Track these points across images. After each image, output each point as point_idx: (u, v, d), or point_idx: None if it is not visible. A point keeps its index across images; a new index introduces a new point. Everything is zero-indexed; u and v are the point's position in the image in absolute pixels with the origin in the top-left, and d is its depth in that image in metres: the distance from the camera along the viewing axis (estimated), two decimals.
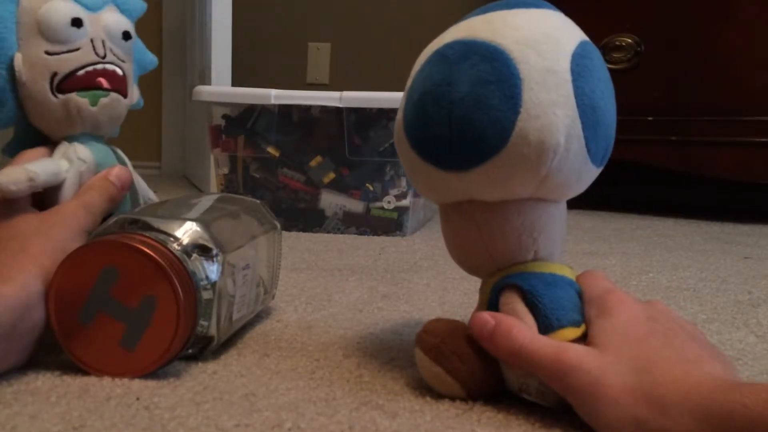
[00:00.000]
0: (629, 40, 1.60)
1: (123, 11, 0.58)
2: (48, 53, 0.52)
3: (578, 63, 0.41)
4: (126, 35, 0.56)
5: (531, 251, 0.44)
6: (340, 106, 1.13)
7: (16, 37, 0.52)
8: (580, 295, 0.44)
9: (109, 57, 0.55)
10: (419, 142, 0.44)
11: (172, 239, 0.45)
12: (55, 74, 0.52)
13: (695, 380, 0.35)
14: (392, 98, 1.11)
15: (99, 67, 0.54)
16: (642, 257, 1.03)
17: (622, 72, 1.60)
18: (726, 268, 0.96)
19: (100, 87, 0.54)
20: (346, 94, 1.13)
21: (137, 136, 2.65)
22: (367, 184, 1.15)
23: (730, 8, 1.49)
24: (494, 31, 0.41)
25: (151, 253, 0.43)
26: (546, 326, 0.41)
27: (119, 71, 0.55)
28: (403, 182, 1.14)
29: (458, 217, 0.46)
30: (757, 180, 1.48)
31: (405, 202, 1.15)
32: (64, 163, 0.52)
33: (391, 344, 0.55)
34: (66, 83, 0.53)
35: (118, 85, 0.55)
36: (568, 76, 0.40)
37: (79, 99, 0.53)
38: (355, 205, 1.16)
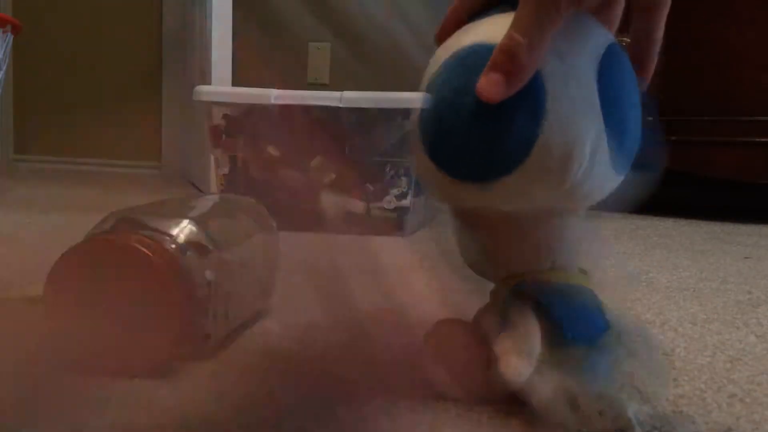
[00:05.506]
0: (629, 40, 1.60)
1: None
2: None
3: (605, 69, 0.39)
4: None
5: (548, 260, 0.42)
6: (340, 106, 1.13)
7: None
8: (599, 306, 0.42)
9: None
10: (435, 151, 0.41)
11: (167, 237, 0.45)
12: None
13: None
14: (392, 98, 1.11)
15: None
16: (642, 257, 1.03)
17: None
18: (726, 268, 0.95)
19: None
20: (346, 94, 1.12)
21: (137, 136, 2.65)
22: (367, 184, 1.15)
23: (730, 8, 1.49)
24: None
25: (147, 252, 0.43)
26: (558, 340, 0.40)
27: None
28: (403, 182, 1.14)
29: (473, 224, 0.44)
30: (757, 180, 1.48)
31: (405, 202, 1.15)
32: None
33: (391, 344, 0.54)
34: None
35: None
36: (593, 85, 0.38)
37: None
38: (355, 205, 1.16)
